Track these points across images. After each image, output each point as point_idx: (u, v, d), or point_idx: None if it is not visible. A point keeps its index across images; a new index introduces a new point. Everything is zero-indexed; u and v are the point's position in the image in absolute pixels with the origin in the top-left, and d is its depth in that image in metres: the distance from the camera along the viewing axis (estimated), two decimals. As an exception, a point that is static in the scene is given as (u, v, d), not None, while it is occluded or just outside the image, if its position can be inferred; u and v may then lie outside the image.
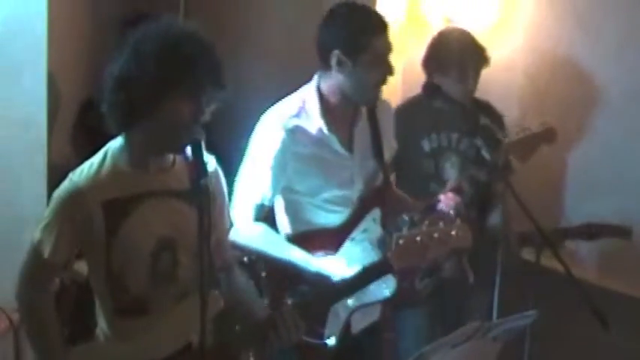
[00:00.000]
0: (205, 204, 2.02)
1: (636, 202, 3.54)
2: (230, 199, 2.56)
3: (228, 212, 2.49)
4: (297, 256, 2.69)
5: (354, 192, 2.79)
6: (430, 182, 3.35)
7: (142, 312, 2.27)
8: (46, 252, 2.21)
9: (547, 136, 3.13)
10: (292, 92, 2.84)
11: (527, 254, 3.40)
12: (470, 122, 3.13)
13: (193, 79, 2.09)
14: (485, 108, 3.48)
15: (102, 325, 2.33)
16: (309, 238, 2.74)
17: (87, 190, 2.18)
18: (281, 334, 2.27)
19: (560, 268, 2.70)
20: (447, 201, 2.90)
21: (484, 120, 3.10)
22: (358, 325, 2.79)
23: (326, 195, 2.76)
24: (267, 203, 2.77)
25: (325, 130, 2.72)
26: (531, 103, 3.66)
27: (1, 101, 3.24)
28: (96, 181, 2.20)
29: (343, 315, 2.72)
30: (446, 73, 3.29)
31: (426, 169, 3.35)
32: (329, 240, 2.72)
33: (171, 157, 2.27)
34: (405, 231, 2.47)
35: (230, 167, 4.20)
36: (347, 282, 2.53)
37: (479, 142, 3.15)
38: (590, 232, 3.34)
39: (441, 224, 2.44)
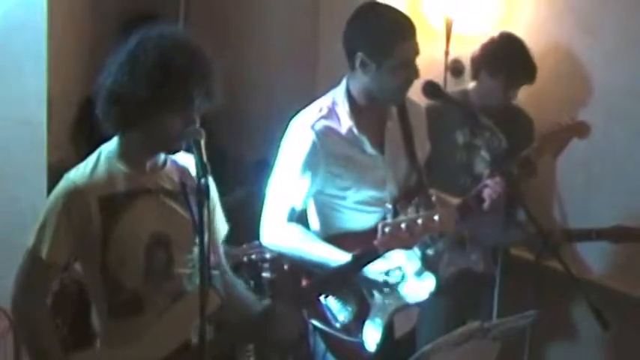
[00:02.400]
0: (205, 202, 2.02)
1: (636, 200, 3.54)
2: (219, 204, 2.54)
3: (221, 219, 2.50)
4: (334, 256, 2.64)
5: (387, 193, 2.77)
6: (461, 175, 3.37)
7: (137, 310, 2.27)
8: (44, 252, 2.21)
9: (578, 129, 3.11)
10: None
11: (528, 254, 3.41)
12: (470, 122, 3.14)
13: (186, 95, 2.13)
14: (518, 112, 3.53)
15: (97, 326, 2.33)
16: (341, 242, 2.69)
17: (83, 186, 2.21)
18: (284, 327, 2.32)
19: (560, 267, 2.70)
20: (494, 186, 2.82)
21: (485, 120, 3.10)
22: (401, 328, 2.78)
23: (358, 196, 2.74)
24: (299, 206, 2.74)
25: (355, 130, 2.71)
26: (531, 103, 3.65)
27: (1, 100, 3.24)
28: (92, 178, 2.23)
29: (383, 316, 2.69)
30: (492, 76, 3.36)
31: (459, 162, 3.36)
32: (363, 242, 2.64)
33: (162, 157, 2.31)
34: (389, 219, 2.52)
35: (231, 165, 4.22)
36: (337, 270, 2.57)
37: (478, 142, 3.16)
38: (619, 234, 3.34)
39: (423, 211, 2.52)
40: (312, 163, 2.67)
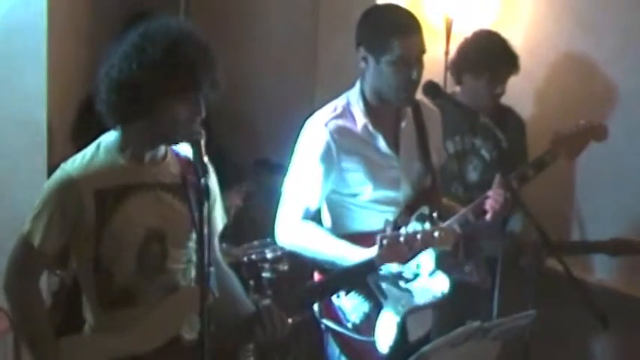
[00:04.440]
0: (205, 202, 2.03)
1: (638, 200, 3.54)
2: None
3: (220, 212, 2.50)
4: (349, 253, 2.63)
5: (401, 194, 2.78)
6: (453, 183, 3.36)
7: (129, 303, 2.28)
8: (36, 241, 2.22)
9: (596, 132, 3.07)
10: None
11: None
12: (469, 122, 3.14)
13: (192, 82, 2.14)
14: (507, 112, 3.50)
15: (89, 318, 2.33)
16: (353, 241, 2.69)
17: (79, 178, 2.21)
18: (267, 330, 2.31)
19: (560, 268, 2.70)
20: (496, 197, 2.80)
21: (483, 119, 3.10)
22: (415, 332, 2.77)
23: (372, 195, 2.74)
24: (314, 205, 2.75)
25: (370, 127, 2.72)
26: (531, 103, 3.66)
27: (1, 100, 3.24)
28: (89, 170, 2.23)
29: (395, 317, 2.68)
30: (477, 76, 3.35)
31: (450, 170, 3.35)
32: (374, 243, 2.62)
33: (163, 149, 2.31)
34: (388, 232, 2.52)
35: (231, 165, 4.22)
36: (330, 280, 2.59)
37: (478, 141, 3.15)
38: (616, 247, 3.33)
39: (424, 226, 2.52)
40: (326, 162, 2.69)
